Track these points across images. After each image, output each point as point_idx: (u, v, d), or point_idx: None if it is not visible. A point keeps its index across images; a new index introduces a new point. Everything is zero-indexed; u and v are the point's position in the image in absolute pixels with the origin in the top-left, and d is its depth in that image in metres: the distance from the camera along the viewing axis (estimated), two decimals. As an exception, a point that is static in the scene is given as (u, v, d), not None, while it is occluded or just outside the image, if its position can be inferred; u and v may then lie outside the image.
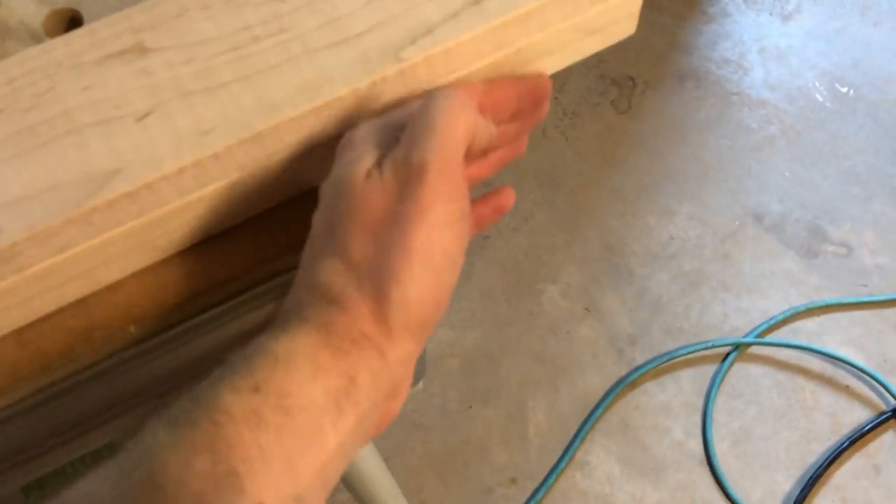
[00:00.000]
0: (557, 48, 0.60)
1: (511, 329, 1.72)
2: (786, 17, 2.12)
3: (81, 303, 0.55)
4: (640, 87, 2.02)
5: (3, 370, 0.54)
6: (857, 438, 1.59)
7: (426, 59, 0.55)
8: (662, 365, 1.67)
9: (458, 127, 0.48)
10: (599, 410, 1.62)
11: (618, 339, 1.69)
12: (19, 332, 0.54)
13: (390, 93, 0.55)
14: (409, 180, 0.46)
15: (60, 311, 0.55)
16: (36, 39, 0.64)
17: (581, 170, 1.90)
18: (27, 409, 0.56)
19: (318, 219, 0.50)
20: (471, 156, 0.51)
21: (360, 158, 0.49)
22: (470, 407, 1.64)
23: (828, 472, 1.57)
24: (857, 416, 1.62)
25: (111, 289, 0.55)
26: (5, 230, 0.49)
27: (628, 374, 1.65)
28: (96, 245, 0.51)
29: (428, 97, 0.50)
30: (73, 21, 0.65)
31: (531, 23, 0.57)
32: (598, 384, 1.65)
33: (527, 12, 0.56)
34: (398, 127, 0.51)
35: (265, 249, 0.57)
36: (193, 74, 0.54)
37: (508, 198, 0.59)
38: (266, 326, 0.47)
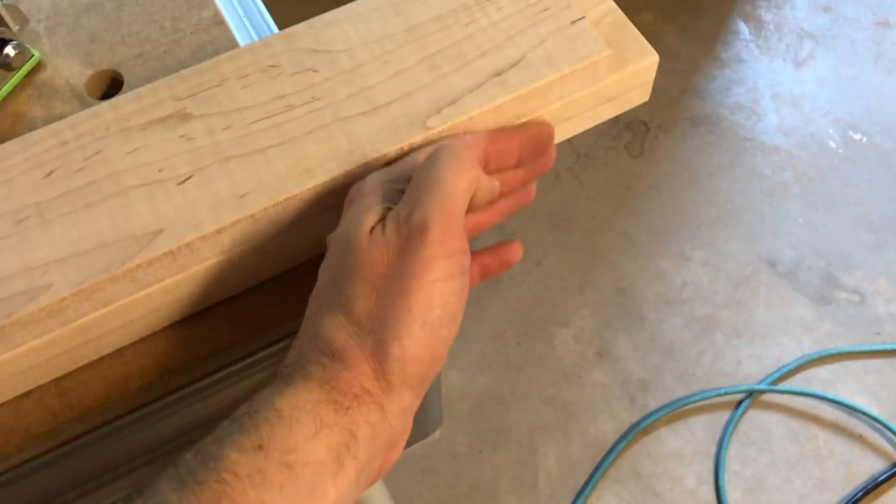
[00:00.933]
0: (575, 115, 0.63)
1: (522, 373, 1.73)
2: (799, 64, 2.14)
3: (119, 353, 0.58)
4: (654, 131, 2.04)
5: (42, 417, 0.56)
6: (872, 489, 1.59)
7: (451, 128, 0.58)
8: (675, 412, 1.68)
9: (460, 185, 0.49)
10: (611, 457, 1.63)
11: (630, 385, 1.71)
12: (59, 381, 0.57)
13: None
14: (410, 238, 0.48)
15: (98, 362, 0.57)
16: (79, 98, 0.67)
17: (594, 213, 1.92)
18: (64, 455, 0.58)
19: (324, 271, 0.51)
20: (472, 210, 0.52)
21: (366, 213, 0.50)
22: (480, 451, 1.65)
23: (841, 522, 1.58)
24: (871, 465, 1.63)
25: (148, 340, 0.58)
26: (55, 285, 0.52)
27: (640, 421, 1.66)
28: (137, 300, 0.54)
29: (433, 153, 0.51)
30: (114, 81, 0.68)
31: (550, 93, 0.60)
32: (609, 430, 1.66)
33: (546, 84, 0.59)
34: (404, 179, 0.53)
35: (293, 305, 0.60)
36: (232, 140, 0.57)
37: (516, 251, 0.59)
38: (270, 380, 0.49)
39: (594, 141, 2.01)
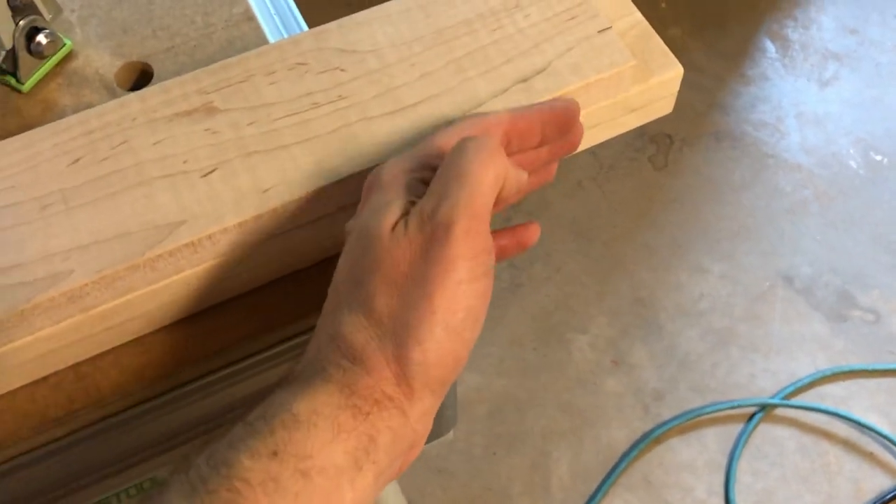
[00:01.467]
0: (599, 123, 0.63)
1: (539, 378, 1.73)
2: (824, 84, 2.14)
3: (137, 342, 0.58)
4: (678, 144, 2.04)
5: (60, 402, 0.57)
6: (880, 506, 1.60)
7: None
8: (688, 422, 1.68)
9: (487, 179, 0.47)
10: (623, 465, 1.63)
11: (644, 394, 1.71)
12: (77, 367, 0.58)
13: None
14: (434, 237, 0.46)
15: (117, 349, 0.58)
16: (108, 89, 0.68)
17: (615, 223, 1.92)
18: (79, 441, 0.59)
19: (343, 264, 0.50)
20: (499, 202, 0.50)
21: (387, 207, 0.49)
22: (494, 453, 1.66)
23: (849, 538, 1.57)
24: (880, 483, 1.62)
25: (166, 330, 0.59)
26: (76, 272, 0.53)
27: (653, 430, 1.67)
28: (157, 289, 0.55)
29: (459, 144, 0.49)
30: (143, 73, 0.69)
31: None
32: (622, 438, 1.67)
33: (571, 91, 0.60)
34: (425, 167, 0.51)
35: (310, 301, 0.60)
36: (256, 136, 0.58)
37: (534, 233, 0.57)
38: (287, 379, 0.48)
39: (618, 152, 2.01)
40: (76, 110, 0.63)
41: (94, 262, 0.53)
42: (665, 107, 0.66)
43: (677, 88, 0.65)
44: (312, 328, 0.57)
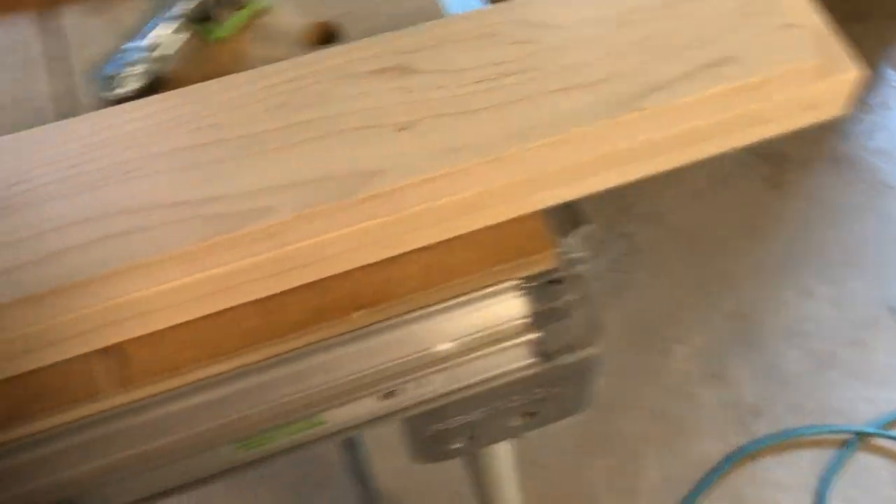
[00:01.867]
0: (776, 117, 0.65)
1: (634, 382, 1.74)
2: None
3: (317, 284, 0.61)
4: (793, 165, 2.03)
5: (240, 334, 0.60)
6: (970, 546, 1.58)
7: (655, 112, 0.60)
8: (783, 442, 1.67)
9: None
10: (714, 477, 1.63)
11: (741, 409, 1.71)
12: (263, 302, 0.61)
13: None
14: None
15: (299, 289, 0.61)
16: (298, 45, 0.71)
17: (725, 237, 1.92)
18: (252, 371, 0.62)
19: None
20: None
21: None
22: (586, 453, 1.66)
23: (937, 575, 1.56)
24: (973, 523, 1.61)
25: (343, 276, 0.62)
26: (276, 209, 0.56)
27: (748, 445, 1.66)
28: (347, 234, 0.58)
29: None
30: (331, 34, 0.72)
31: (756, 92, 0.62)
32: (715, 451, 1.66)
33: (753, 82, 0.61)
34: None
35: (486, 260, 0.63)
36: (447, 98, 0.60)
37: None
38: None
39: (734, 167, 2.01)
40: (266, 62, 0.66)
41: (293, 202, 0.56)
42: (839, 107, 0.68)
43: (853, 90, 0.66)
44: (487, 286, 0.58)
